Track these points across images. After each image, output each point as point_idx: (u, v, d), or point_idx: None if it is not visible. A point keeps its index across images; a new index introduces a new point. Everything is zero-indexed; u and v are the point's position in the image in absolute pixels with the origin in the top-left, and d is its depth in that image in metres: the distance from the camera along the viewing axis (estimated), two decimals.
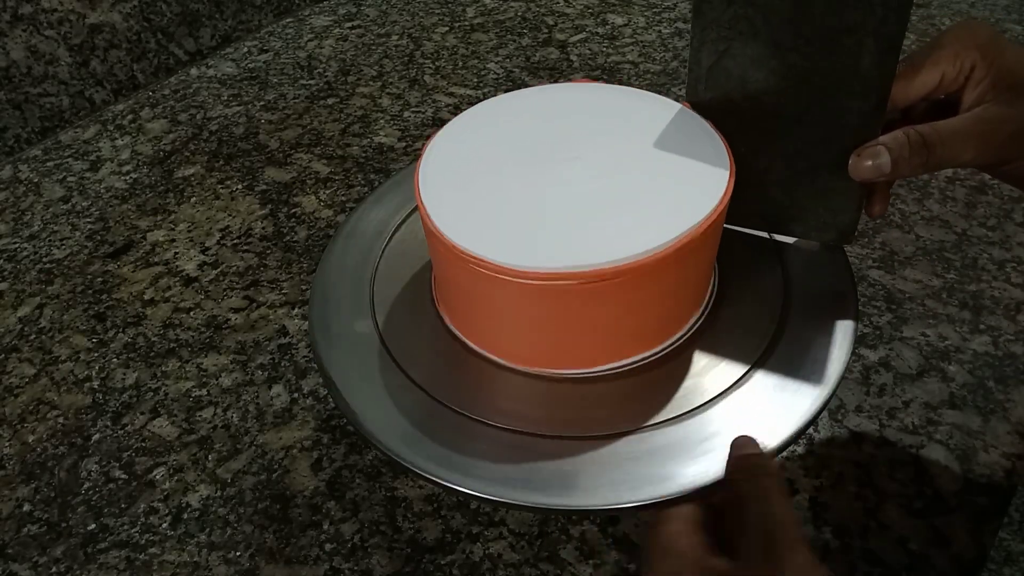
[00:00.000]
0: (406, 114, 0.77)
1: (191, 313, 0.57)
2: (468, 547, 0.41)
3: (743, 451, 0.31)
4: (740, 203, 0.39)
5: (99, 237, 0.65)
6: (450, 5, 0.98)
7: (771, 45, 0.34)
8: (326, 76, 0.85)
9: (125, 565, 0.42)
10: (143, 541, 0.43)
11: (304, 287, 0.58)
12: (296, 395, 0.50)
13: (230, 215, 0.66)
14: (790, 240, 0.42)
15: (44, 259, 0.64)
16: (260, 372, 0.52)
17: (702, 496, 0.31)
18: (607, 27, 0.90)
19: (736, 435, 0.32)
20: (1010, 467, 0.43)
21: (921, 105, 0.37)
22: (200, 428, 0.49)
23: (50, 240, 0.66)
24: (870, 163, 0.34)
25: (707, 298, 0.40)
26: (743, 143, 0.37)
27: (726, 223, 0.41)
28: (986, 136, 0.34)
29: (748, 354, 0.37)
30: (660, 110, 0.40)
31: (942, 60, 0.35)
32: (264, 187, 0.69)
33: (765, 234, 0.42)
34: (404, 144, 0.73)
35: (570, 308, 0.34)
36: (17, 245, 0.66)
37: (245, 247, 0.63)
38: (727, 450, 0.32)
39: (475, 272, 0.33)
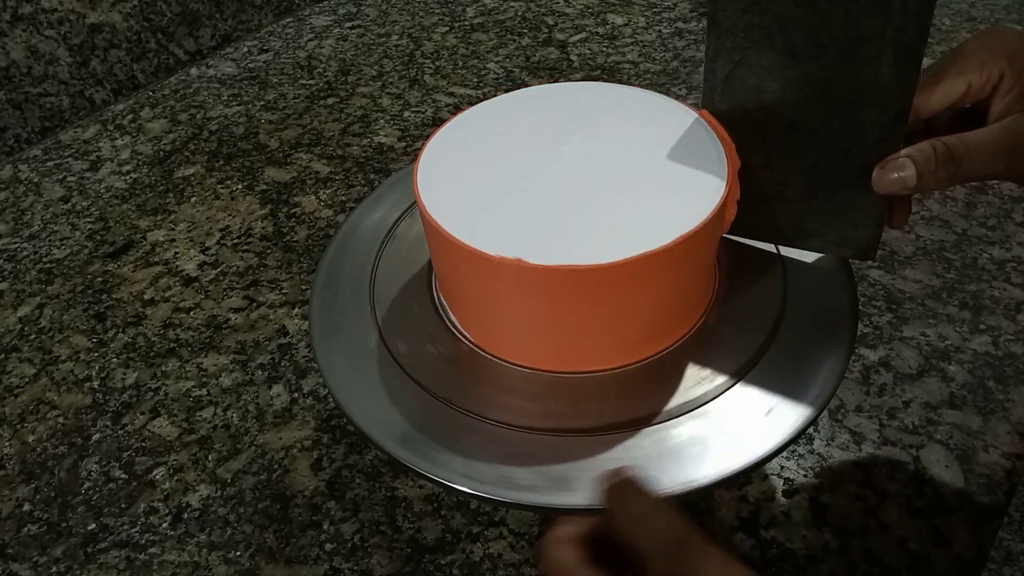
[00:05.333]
0: (406, 114, 0.77)
1: (191, 313, 0.57)
2: (468, 547, 0.41)
3: (616, 486, 0.29)
4: (757, 217, 0.38)
5: (99, 237, 0.65)
6: (450, 5, 0.98)
7: (787, 54, 0.33)
8: (326, 76, 0.85)
9: (125, 565, 0.42)
10: (143, 541, 0.43)
11: (304, 287, 0.58)
12: (296, 395, 0.50)
13: (230, 215, 0.66)
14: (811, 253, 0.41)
15: (44, 259, 0.64)
16: (260, 372, 0.52)
17: (596, 515, 0.30)
18: (607, 27, 0.90)
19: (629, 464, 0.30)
20: (1010, 467, 0.43)
21: (945, 115, 0.36)
22: (200, 428, 0.49)
23: (50, 240, 0.66)
24: (895, 176, 0.33)
25: (708, 300, 0.40)
26: (760, 155, 0.36)
27: (742, 237, 0.41)
28: (1017, 148, 0.32)
29: (748, 355, 0.37)
30: (661, 110, 0.40)
31: (968, 69, 0.33)
32: (264, 187, 0.69)
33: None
34: (404, 144, 0.73)
35: (569, 304, 0.34)
36: (17, 245, 0.66)
37: (245, 247, 0.63)
38: (725, 451, 0.32)
39: (469, 264, 0.33)
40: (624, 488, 0.29)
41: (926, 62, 0.32)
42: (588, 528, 0.29)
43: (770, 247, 0.42)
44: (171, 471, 0.47)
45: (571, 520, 0.30)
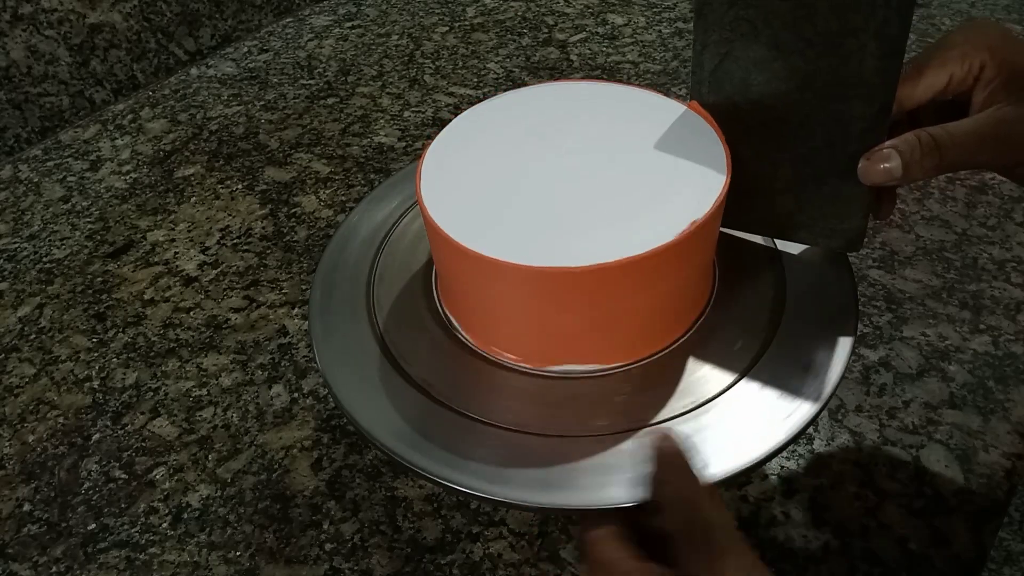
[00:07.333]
0: (406, 114, 0.77)
1: (191, 313, 0.57)
2: (468, 547, 0.41)
3: (665, 454, 0.29)
4: (746, 209, 0.39)
5: (99, 237, 0.65)
6: (450, 5, 0.98)
7: (773, 47, 0.34)
8: (326, 76, 0.85)
9: (125, 565, 0.42)
10: (143, 541, 0.43)
11: (304, 287, 0.58)
12: (296, 395, 0.50)
13: (230, 215, 0.66)
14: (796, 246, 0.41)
15: (44, 259, 0.64)
16: (260, 372, 0.52)
17: (627, 508, 0.30)
18: (607, 27, 0.90)
19: (669, 438, 0.29)
20: (1010, 467, 0.43)
21: (929, 107, 0.36)
22: (200, 428, 0.49)
23: (50, 240, 0.66)
24: (881, 167, 0.33)
25: (707, 298, 0.40)
26: (748, 147, 0.37)
27: (732, 229, 0.41)
28: (1002, 137, 0.33)
29: (747, 354, 0.37)
30: (661, 109, 0.40)
31: (950, 61, 0.34)
32: (264, 187, 0.69)
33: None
34: (404, 144, 0.73)
35: (569, 305, 0.34)
36: (17, 245, 0.66)
37: (245, 247, 0.63)
38: (725, 450, 0.32)
39: (471, 266, 0.33)
40: (674, 463, 0.29)
41: (910, 55, 0.33)
42: (625, 523, 0.29)
43: (769, 245, 0.42)
44: (171, 471, 0.47)
45: (606, 517, 0.30)
